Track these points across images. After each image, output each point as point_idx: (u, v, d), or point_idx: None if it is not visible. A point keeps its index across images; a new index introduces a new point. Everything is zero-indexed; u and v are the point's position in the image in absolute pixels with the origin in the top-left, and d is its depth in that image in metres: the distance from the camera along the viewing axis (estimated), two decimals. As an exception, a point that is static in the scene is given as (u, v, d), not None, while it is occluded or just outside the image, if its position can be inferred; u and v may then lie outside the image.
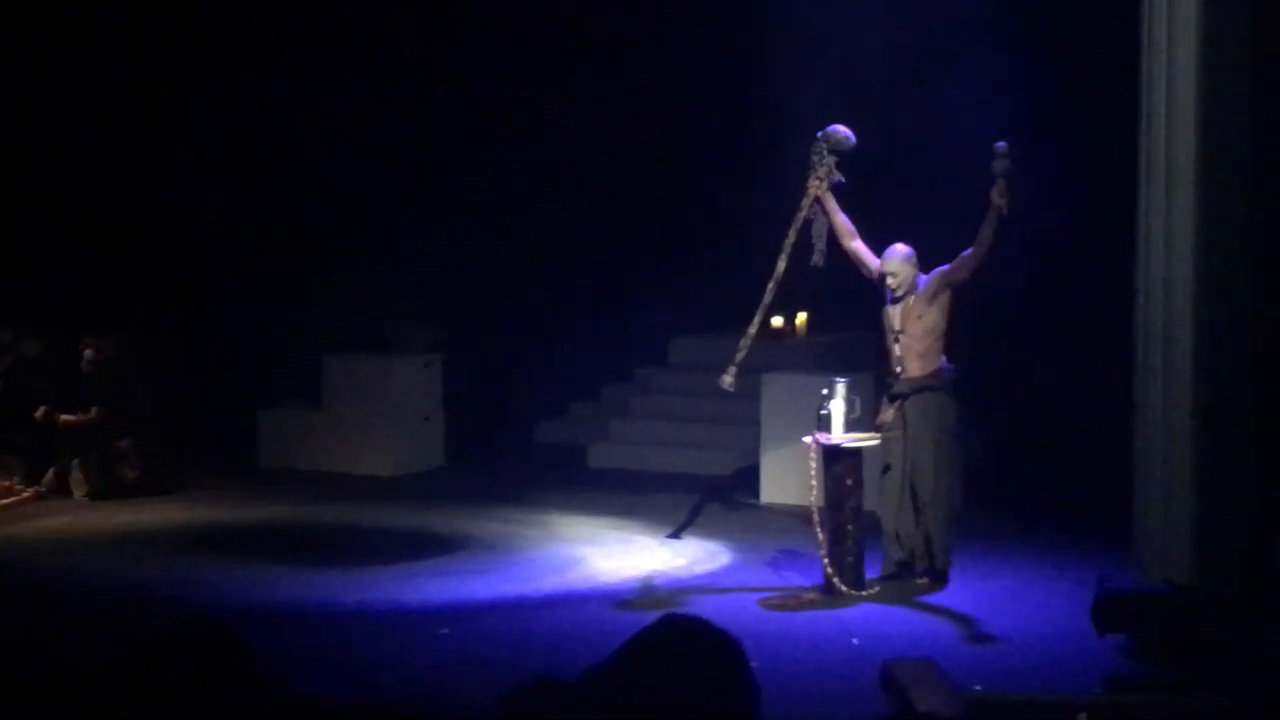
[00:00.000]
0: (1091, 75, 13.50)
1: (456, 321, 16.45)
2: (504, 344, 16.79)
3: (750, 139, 16.27)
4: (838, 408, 10.39)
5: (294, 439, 15.53)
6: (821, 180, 10.63)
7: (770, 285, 10.72)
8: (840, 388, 10.45)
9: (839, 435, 10.38)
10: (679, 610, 4.77)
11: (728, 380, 10.80)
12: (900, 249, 10.53)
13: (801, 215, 10.67)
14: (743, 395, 11.70)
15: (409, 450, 15.43)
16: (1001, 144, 10.17)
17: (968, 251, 10.31)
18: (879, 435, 10.54)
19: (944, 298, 10.46)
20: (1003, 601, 10.20)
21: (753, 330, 10.82)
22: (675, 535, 12.31)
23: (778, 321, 15.37)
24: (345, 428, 15.30)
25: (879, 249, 10.56)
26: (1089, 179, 13.74)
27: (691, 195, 16.89)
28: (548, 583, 10.90)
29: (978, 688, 8.13)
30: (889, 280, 10.49)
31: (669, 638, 3.62)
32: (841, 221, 10.65)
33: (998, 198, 10.12)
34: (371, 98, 16.32)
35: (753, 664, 3.72)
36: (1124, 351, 9.60)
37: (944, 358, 10.55)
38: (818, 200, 10.64)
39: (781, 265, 10.68)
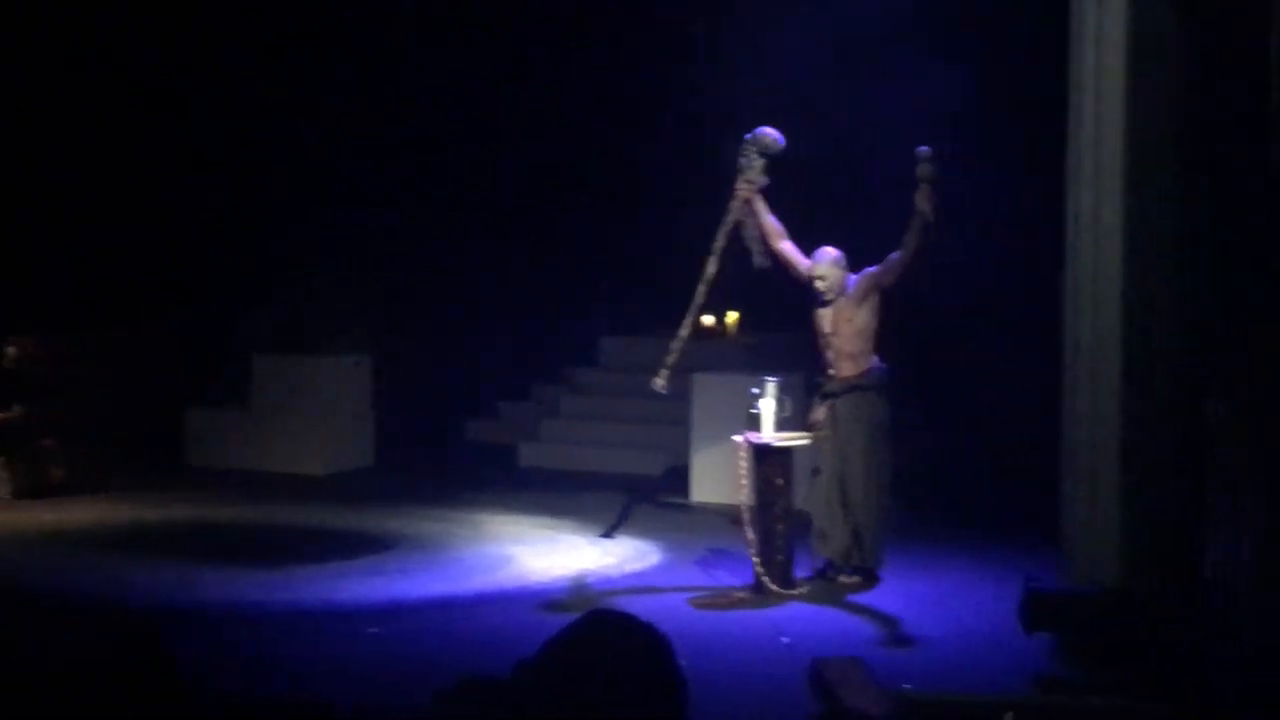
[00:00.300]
0: (1022, 78, 13.57)
1: (386, 320, 16.39)
2: (434, 343, 16.74)
3: (686, 139, 16.28)
4: (768, 407, 10.41)
5: (223, 438, 15.45)
6: (751, 183, 10.64)
7: (701, 287, 10.73)
8: (771, 387, 10.46)
9: (769, 434, 10.41)
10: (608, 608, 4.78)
11: (660, 383, 10.81)
12: (829, 252, 10.55)
13: (731, 218, 10.67)
14: (673, 395, 11.72)
15: (338, 449, 15.38)
16: (924, 149, 10.16)
17: (895, 255, 10.34)
18: (809, 435, 10.58)
19: (873, 299, 10.50)
20: (933, 601, 10.25)
21: (684, 333, 10.83)
22: (605, 534, 12.32)
23: (708, 320, 15.41)
24: (274, 426, 15.24)
25: (811, 249, 10.58)
26: (1034, 181, 13.80)
27: (627, 197, 16.89)
28: (478, 582, 10.88)
29: (906, 687, 8.16)
30: (818, 283, 10.52)
31: (597, 634, 3.63)
32: (770, 223, 10.66)
33: (922, 203, 10.14)
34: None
35: (682, 662, 3.73)
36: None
37: (875, 358, 10.59)
38: (746, 202, 10.66)
39: (712, 267, 10.68)
